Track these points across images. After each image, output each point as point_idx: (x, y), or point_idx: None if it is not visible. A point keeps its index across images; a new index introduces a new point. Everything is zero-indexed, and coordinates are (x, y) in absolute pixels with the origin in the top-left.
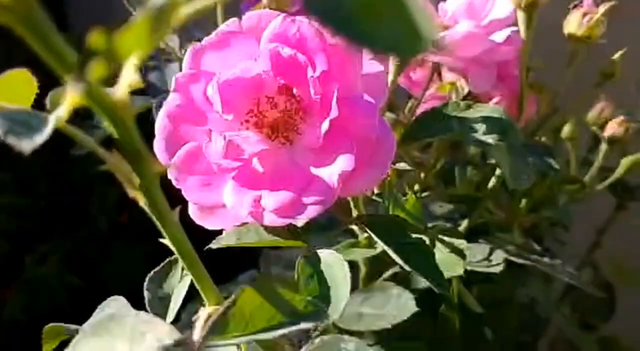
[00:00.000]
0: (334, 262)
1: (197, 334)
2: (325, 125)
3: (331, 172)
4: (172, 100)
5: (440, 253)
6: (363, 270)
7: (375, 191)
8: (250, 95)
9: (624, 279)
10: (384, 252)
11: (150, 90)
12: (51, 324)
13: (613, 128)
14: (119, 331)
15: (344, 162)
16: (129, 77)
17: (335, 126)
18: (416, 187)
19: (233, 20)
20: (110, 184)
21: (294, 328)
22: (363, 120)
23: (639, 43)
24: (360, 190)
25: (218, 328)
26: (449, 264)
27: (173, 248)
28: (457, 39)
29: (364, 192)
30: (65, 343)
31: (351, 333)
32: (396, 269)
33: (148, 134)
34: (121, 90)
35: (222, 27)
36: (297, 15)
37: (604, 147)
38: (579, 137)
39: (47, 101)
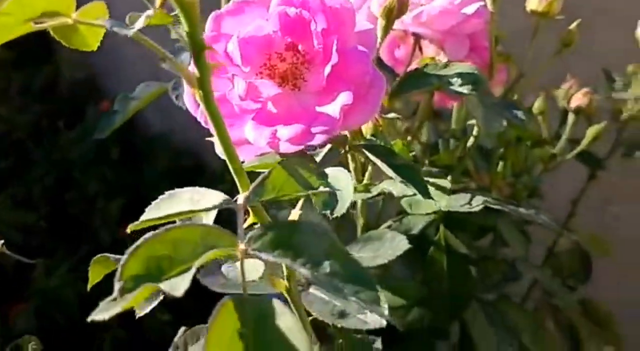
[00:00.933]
0: (338, 174)
1: (240, 199)
2: (327, 69)
3: (334, 107)
4: None
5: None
6: (361, 221)
7: (369, 136)
8: (263, 51)
9: (598, 248)
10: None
11: (164, 77)
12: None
13: (578, 99)
14: (178, 201)
15: (344, 98)
16: None
17: (335, 72)
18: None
19: None
20: (111, 200)
21: (310, 192)
22: (358, 66)
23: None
24: (359, 122)
25: (257, 192)
26: (435, 198)
27: (218, 142)
28: (434, 14)
29: (361, 124)
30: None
31: None
32: (389, 222)
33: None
34: None
35: None
36: None
37: (571, 117)
38: (548, 111)
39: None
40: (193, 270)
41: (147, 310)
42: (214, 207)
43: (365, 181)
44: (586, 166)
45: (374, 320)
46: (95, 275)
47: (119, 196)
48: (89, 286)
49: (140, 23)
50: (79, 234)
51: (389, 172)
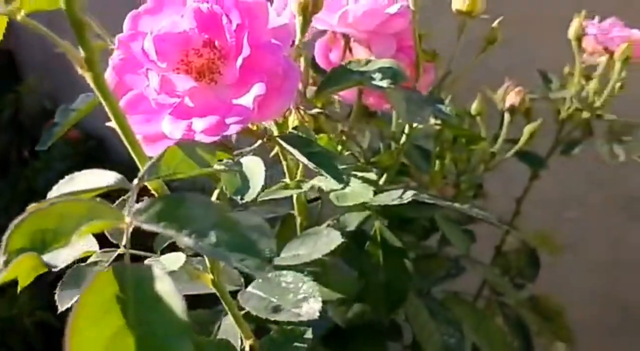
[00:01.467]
0: (251, 162)
1: (135, 181)
2: (239, 62)
3: (247, 98)
4: (116, 56)
5: (354, 184)
6: (299, 220)
7: (291, 128)
8: (180, 48)
9: (546, 246)
10: (313, 199)
11: None
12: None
13: (512, 98)
14: (77, 182)
15: (257, 89)
16: None
17: (248, 64)
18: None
19: None
20: None
21: (207, 170)
22: (271, 58)
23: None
24: (275, 113)
25: (151, 171)
26: (362, 191)
27: (113, 122)
28: (359, 14)
29: (277, 115)
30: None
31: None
32: (328, 222)
33: None
34: None
35: None
36: None
37: (506, 116)
38: (486, 111)
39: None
40: (75, 240)
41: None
42: (108, 186)
43: (297, 178)
44: (528, 165)
45: (308, 312)
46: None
47: None
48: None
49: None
50: None
51: (303, 159)
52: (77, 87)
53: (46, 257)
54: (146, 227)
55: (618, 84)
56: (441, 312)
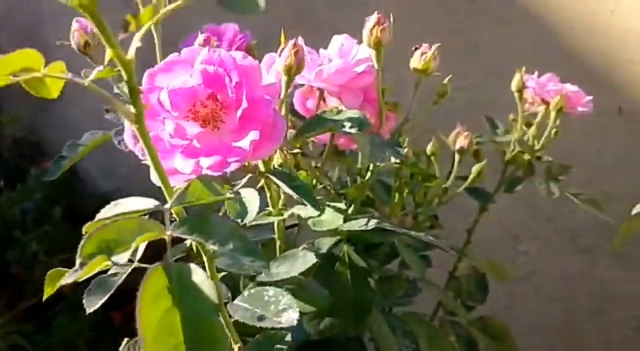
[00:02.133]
0: (247, 192)
1: (168, 204)
2: (239, 113)
3: (245, 142)
4: None
5: (328, 212)
6: (279, 243)
7: (277, 165)
8: (189, 100)
9: (494, 272)
10: (289, 226)
11: (108, 126)
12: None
13: (461, 141)
14: (122, 207)
15: (253, 135)
16: (133, 48)
17: (245, 115)
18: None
19: (175, 54)
20: (53, 256)
21: (221, 198)
22: (264, 110)
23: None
24: (266, 154)
25: (180, 198)
26: (334, 219)
27: (152, 165)
28: (332, 72)
29: (267, 155)
30: None
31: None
32: (304, 245)
33: None
34: (130, 53)
35: (168, 58)
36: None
37: (457, 156)
38: (439, 152)
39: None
40: (133, 247)
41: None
42: (148, 210)
43: (280, 206)
44: (477, 200)
45: (287, 320)
46: (50, 288)
47: (62, 253)
48: (44, 297)
49: (92, 75)
50: (20, 291)
51: (289, 191)
52: (54, 118)
53: (114, 258)
54: (183, 236)
55: (554, 131)
56: (400, 327)
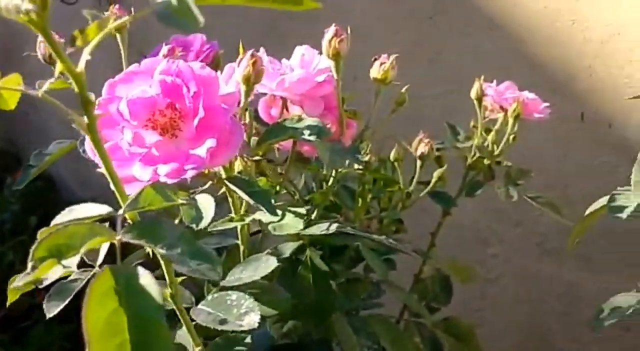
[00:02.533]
0: (204, 198)
1: (121, 210)
2: (195, 121)
3: (202, 150)
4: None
5: (288, 217)
6: (242, 248)
7: (236, 172)
8: (148, 110)
9: (458, 274)
10: (254, 232)
11: (75, 135)
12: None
13: (422, 147)
14: (76, 213)
15: (210, 143)
16: (83, 61)
17: (202, 124)
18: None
19: (135, 64)
20: (25, 267)
21: (173, 204)
22: (221, 119)
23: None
24: (223, 161)
25: (132, 204)
26: (294, 223)
27: (106, 173)
28: (293, 81)
29: (225, 163)
30: None
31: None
32: (268, 250)
33: None
34: (80, 66)
35: (128, 69)
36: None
37: (418, 162)
38: (402, 158)
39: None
40: (82, 251)
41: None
42: (101, 215)
43: (242, 213)
44: (440, 204)
45: (249, 323)
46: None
47: None
48: (8, 302)
49: (45, 87)
50: None
51: (245, 197)
52: (32, 129)
53: (65, 262)
54: (132, 241)
55: (512, 136)
56: (363, 329)
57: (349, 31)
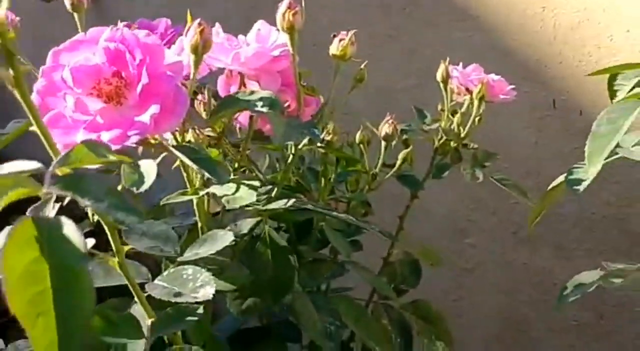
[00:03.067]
0: (146, 163)
1: (50, 167)
2: (139, 88)
3: (145, 116)
4: (39, 83)
5: (242, 190)
6: (199, 224)
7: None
8: (93, 78)
9: (428, 258)
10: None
11: None
12: None
13: (386, 128)
14: (6, 168)
15: (153, 109)
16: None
17: (146, 90)
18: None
19: (80, 33)
20: None
21: (105, 160)
22: (165, 85)
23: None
24: (168, 128)
25: (62, 161)
26: (247, 196)
27: (37, 130)
28: (249, 55)
29: (171, 130)
30: None
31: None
32: (228, 228)
33: None
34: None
35: (74, 37)
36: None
37: (383, 143)
38: (366, 140)
39: None
40: (5, 200)
41: None
42: (31, 170)
43: (196, 186)
44: (407, 187)
45: (204, 295)
46: None
47: None
48: None
49: None
50: None
51: (190, 163)
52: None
53: None
54: (58, 194)
55: (477, 118)
56: (326, 307)
57: (303, 4)
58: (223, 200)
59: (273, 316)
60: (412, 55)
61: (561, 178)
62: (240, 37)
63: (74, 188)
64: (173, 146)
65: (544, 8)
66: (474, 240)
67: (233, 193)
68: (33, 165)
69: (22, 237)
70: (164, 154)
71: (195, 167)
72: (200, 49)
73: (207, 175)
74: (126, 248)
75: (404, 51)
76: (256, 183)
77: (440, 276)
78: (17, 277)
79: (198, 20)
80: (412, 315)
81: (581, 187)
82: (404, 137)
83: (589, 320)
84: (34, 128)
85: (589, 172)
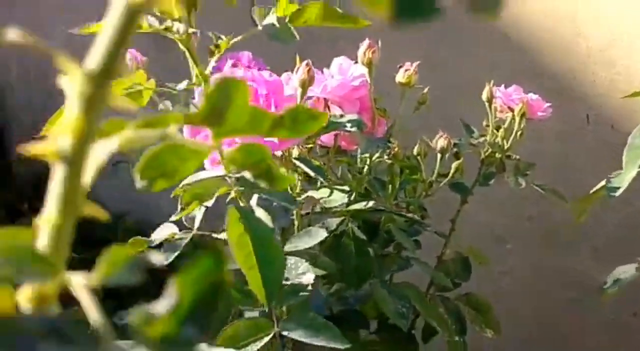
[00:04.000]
0: None
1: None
2: None
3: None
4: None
5: (335, 194)
6: (297, 223)
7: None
8: None
9: (476, 257)
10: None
11: None
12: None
13: (441, 142)
14: None
15: None
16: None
17: None
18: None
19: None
20: None
21: None
22: None
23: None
24: (287, 147)
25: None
26: (340, 198)
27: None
28: (334, 86)
29: (290, 148)
30: None
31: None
32: (318, 225)
33: None
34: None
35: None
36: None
37: (439, 156)
38: (424, 153)
39: None
40: (215, 196)
41: None
42: (219, 175)
43: (297, 191)
44: (458, 193)
45: (307, 280)
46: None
47: None
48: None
49: (183, 85)
50: None
51: (308, 170)
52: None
53: (205, 204)
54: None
55: (519, 133)
56: (395, 292)
57: (379, 44)
58: (322, 201)
59: (346, 304)
60: (454, 73)
61: (602, 183)
62: (325, 70)
63: (249, 186)
64: (295, 158)
65: (578, 34)
66: (511, 245)
67: (328, 196)
68: (220, 171)
69: (232, 218)
70: None
71: (312, 173)
72: (307, 84)
73: (320, 178)
74: None
75: (446, 69)
76: (346, 187)
77: (479, 280)
78: (235, 245)
79: (306, 61)
80: (465, 306)
81: (617, 193)
82: (454, 150)
83: (623, 319)
84: None
85: (625, 179)
